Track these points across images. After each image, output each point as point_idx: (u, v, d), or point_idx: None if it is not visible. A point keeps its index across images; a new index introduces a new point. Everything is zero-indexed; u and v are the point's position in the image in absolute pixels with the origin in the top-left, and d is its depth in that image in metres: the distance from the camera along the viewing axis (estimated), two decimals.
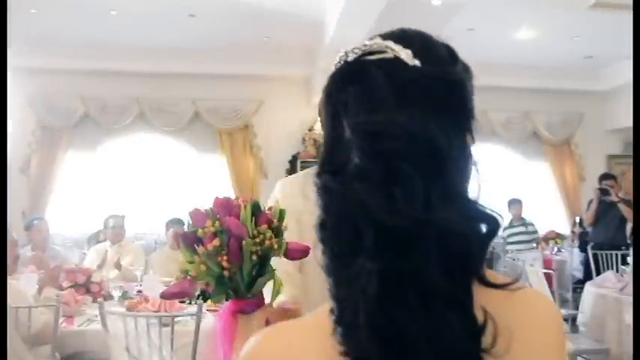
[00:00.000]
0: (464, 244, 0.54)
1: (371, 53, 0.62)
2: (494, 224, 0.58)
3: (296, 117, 7.67)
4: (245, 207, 1.07)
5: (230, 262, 1.01)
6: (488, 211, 0.58)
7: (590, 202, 5.73)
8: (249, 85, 7.51)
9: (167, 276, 4.31)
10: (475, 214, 0.58)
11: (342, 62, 0.66)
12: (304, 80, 7.62)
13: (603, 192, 5.47)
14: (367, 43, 0.63)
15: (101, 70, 6.85)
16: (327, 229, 0.57)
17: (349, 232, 0.55)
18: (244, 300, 1.06)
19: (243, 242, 1.02)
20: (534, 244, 6.35)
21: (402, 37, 0.63)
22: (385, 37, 0.63)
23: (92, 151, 7.21)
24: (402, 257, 0.52)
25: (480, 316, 0.53)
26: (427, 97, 0.58)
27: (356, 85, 0.60)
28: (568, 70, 7.51)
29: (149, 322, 2.24)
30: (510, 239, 6.31)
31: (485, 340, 0.52)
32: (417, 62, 0.60)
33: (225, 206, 1.06)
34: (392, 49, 0.60)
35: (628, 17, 5.41)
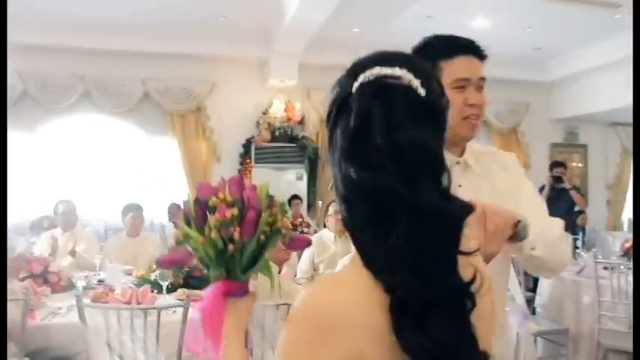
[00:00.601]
0: (458, 224, 0.78)
1: (389, 77, 0.80)
2: (469, 208, 0.80)
3: (250, 100, 7.49)
4: (261, 187, 1.05)
5: (242, 234, 0.98)
6: (465, 200, 0.81)
7: (542, 188, 5.95)
8: (202, 66, 7.25)
9: (125, 264, 4.11)
10: (463, 205, 0.80)
11: (366, 79, 0.81)
12: (260, 62, 7.44)
13: (556, 179, 5.68)
14: (387, 70, 0.80)
15: (41, 45, 6.37)
16: (357, 208, 0.77)
17: (379, 210, 0.75)
18: (237, 282, 1.03)
19: (262, 215, 1.00)
20: None
21: (411, 65, 0.81)
22: (396, 61, 0.82)
23: (31, 131, 6.74)
24: (428, 228, 0.75)
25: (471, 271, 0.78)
26: (430, 118, 0.79)
27: (379, 101, 0.78)
28: (517, 60, 7.72)
29: (133, 314, 2.10)
30: None
31: (475, 286, 0.77)
32: (422, 91, 0.79)
33: (238, 183, 1.03)
34: (408, 79, 0.79)
35: (579, 10, 5.62)
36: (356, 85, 0.82)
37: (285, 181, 7.52)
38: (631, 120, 8.80)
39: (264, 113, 7.45)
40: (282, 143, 7.51)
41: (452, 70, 1.36)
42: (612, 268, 3.81)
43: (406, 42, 6.60)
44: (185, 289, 3.24)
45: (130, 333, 2.08)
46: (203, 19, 6.54)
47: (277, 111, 7.30)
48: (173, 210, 1.05)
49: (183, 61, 7.12)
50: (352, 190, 0.77)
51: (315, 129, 7.78)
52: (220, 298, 1.03)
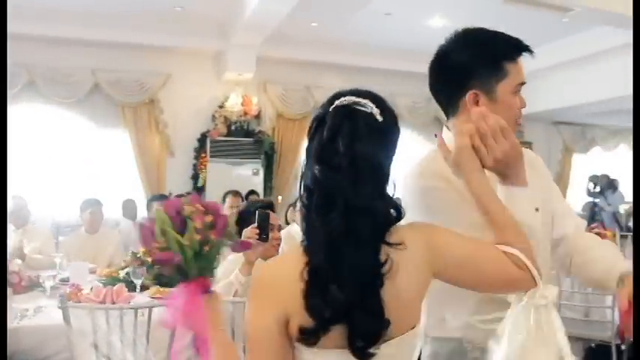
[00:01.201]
0: (384, 219, 1.01)
1: (357, 104, 1.03)
2: (401, 212, 1.04)
3: (206, 93, 7.33)
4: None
5: (216, 236, 1.14)
6: (399, 204, 1.04)
7: None
8: (156, 57, 7.03)
9: (84, 261, 3.93)
10: (393, 205, 1.04)
11: (341, 103, 1.04)
12: (216, 55, 7.30)
13: None
14: (357, 100, 1.03)
15: None
16: (313, 196, 1.01)
17: (327, 200, 0.99)
18: (208, 280, 1.14)
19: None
20: None
21: (375, 99, 1.05)
22: (364, 95, 1.05)
23: None
24: (356, 218, 0.97)
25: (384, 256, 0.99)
26: (383, 139, 1.04)
27: (348, 121, 1.01)
28: None
29: (122, 313, 2.00)
30: None
31: (385, 268, 0.97)
32: (380, 118, 1.04)
33: (197, 198, 1.20)
34: (370, 107, 1.03)
35: (536, 14, 5.83)
36: (332, 107, 1.04)
37: (241, 176, 7.42)
38: (572, 119, 9.26)
39: (221, 107, 7.31)
40: (239, 138, 7.40)
41: (516, 73, 1.30)
42: None
43: (364, 38, 6.76)
44: (158, 287, 3.14)
45: (120, 333, 1.99)
46: (159, 8, 6.34)
47: (234, 105, 7.19)
48: (145, 232, 1.15)
49: (136, 51, 6.88)
50: (314, 182, 1.01)
51: (271, 123, 7.71)
52: (197, 298, 1.10)
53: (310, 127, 1.09)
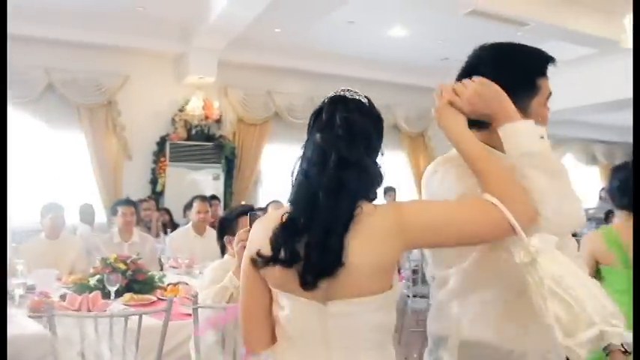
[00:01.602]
0: (370, 177, 1.14)
1: (347, 91, 1.22)
2: (382, 177, 1.17)
3: (166, 96, 7.21)
4: None
5: None
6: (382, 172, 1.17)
7: None
8: (115, 58, 6.85)
9: (45, 268, 3.78)
10: (379, 170, 1.17)
11: (334, 94, 1.22)
12: (177, 57, 7.18)
13: None
14: (350, 89, 1.23)
15: None
16: (312, 160, 1.15)
17: (324, 157, 1.12)
18: None
19: None
20: None
21: (360, 93, 1.23)
22: (353, 89, 1.23)
23: None
24: (346, 172, 1.10)
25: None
26: (371, 116, 1.20)
27: (341, 104, 1.19)
28: (427, 68, 8.16)
29: (112, 321, 1.95)
30: None
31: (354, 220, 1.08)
32: (366, 102, 1.21)
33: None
34: (358, 95, 1.22)
35: (493, 27, 6.05)
36: (327, 99, 1.22)
37: (202, 180, 7.32)
38: None
39: (181, 110, 7.20)
40: (199, 142, 7.31)
41: (546, 86, 1.33)
42: None
43: (327, 46, 6.84)
44: (132, 294, 3.07)
45: (109, 342, 1.94)
46: (119, 7, 6.20)
47: (195, 108, 7.09)
48: None
49: (94, 51, 6.68)
50: (313, 147, 1.16)
51: (232, 128, 7.66)
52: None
53: (310, 120, 1.23)
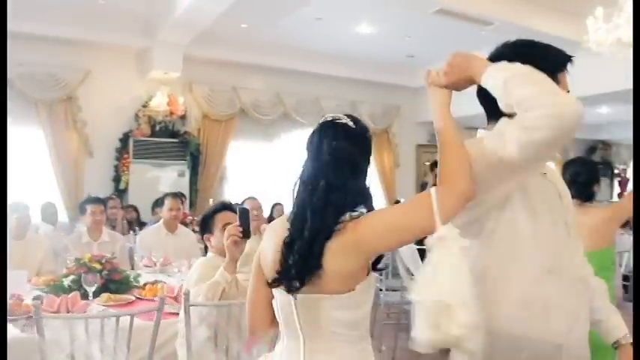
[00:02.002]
0: (354, 198, 1.28)
1: (335, 118, 1.36)
2: (367, 199, 1.30)
3: (128, 91, 7.03)
4: None
5: None
6: (369, 194, 1.31)
7: (423, 187, 6.48)
8: (75, 52, 6.63)
9: (11, 269, 3.64)
10: (365, 192, 1.31)
11: (324, 120, 1.37)
12: (140, 52, 7.01)
13: None
14: (338, 115, 1.36)
15: None
16: (305, 181, 1.31)
17: (315, 182, 1.28)
18: None
19: None
20: None
21: (350, 116, 1.36)
22: (341, 114, 1.36)
23: None
24: (332, 194, 1.26)
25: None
26: (357, 140, 1.33)
27: (329, 129, 1.33)
28: (392, 65, 8.26)
29: (103, 322, 1.90)
30: None
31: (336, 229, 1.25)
32: (353, 126, 1.34)
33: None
34: (345, 119, 1.35)
35: (458, 25, 6.18)
36: (317, 126, 1.37)
37: (167, 177, 7.19)
38: (484, 125, 9.92)
39: (144, 106, 7.03)
40: (163, 138, 7.17)
41: (565, 82, 1.39)
42: None
43: (294, 42, 6.82)
44: (109, 295, 2.99)
45: (100, 342, 1.89)
46: (79, 0, 6.00)
47: (159, 104, 6.94)
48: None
49: (53, 44, 6.44)
50: (308, 170, 1.31)
51: (197, 124, 7.54)
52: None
53: (307, 143, 1.37)
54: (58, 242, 4.54)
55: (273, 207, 6.87)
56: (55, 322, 1.88)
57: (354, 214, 1.26)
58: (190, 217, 6.14)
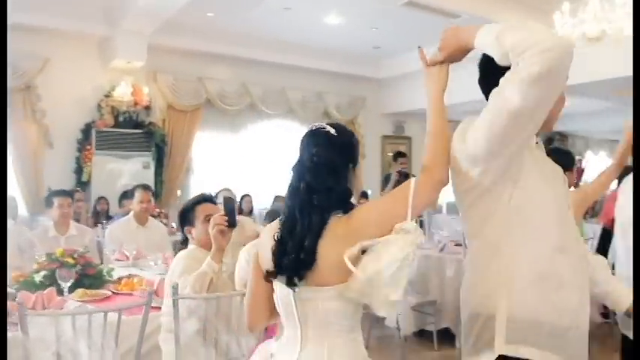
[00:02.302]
0: (336, 200, 1.38)
1: (319, 127, 1.46)
2: (347, 200, 1.40)
3: (90, 80, 6.82)
4: None
5: None
6: (348, 195, 1.42)
7: (387, 178, 6.54)
8: (33, 39, 6.37)
9: None
10: (344, 194, 1.41)
11: (309, 129, 1.47)
12: (102, 40, 6.79)
13: (404, 175, 6.22)
14: (322, 124, 1.46)
15: None
16: (293, 185, 1.42)
17: (297, 187, 1.40)
18: None
19: None
20: None
21: (333, 124, 1.46)
22: (325, 123, 1.47)
23: None
24: (315, 196, 1.37)
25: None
26: (337, 147, 1.42)
27: (312, 137, 1.45)
28: (359, 57, 8.29)
29: (91, 318, 1.84)
30: None
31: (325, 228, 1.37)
32: (334, 134, 1.43)
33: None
34: (328, 128, 1.44)
35: (427, 17, 6.24)
36: (305, 133, 1.48)
37: (131, 169, 7.01)
38: (449, 117, 10.06)
39: (107, 96, 6.83)
40: (127, 129, 6.99)
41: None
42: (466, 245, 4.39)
43: (261, 32, 6.77)
44: (84, 290, 2.90)
45: (87, 339, 1.84)
46: None
47: (123, 94, 6.76)
48: None
49: (10, 31, 6.14)
50: (294, 174, 1.43)
51: (162, 115, 7.39)
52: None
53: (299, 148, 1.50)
54: (22, 237, 4.37)
55: (241, 198, 6.81)
56: (41, 320, 1.81)
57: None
58: (158, 210, 6.03)
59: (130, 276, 3.27)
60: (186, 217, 2.69)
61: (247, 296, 1.54)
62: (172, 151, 7.46)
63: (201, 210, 2.62)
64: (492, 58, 1.32)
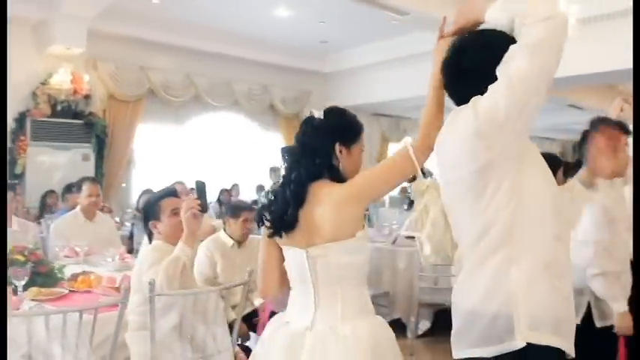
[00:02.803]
0: (318, 171, 1.60)
1: (311, 113, 1.65)
2: (334, 172, 1.61)
3: (24, 67, 6.40)
4: None
5: None
6: (335, 169, 1.61)
7: None
8: None
9: None
10: (329, 169, 1.60)
11: (310, 114, 1.66)
12: (38, 24, 6.43)
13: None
14: (313, 111, 1.65)
15: None
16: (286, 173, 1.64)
17: (292, 166, 1.62)
18: None
19: None
20: None
21: (326, 110, 1.65)
22: (322, 109, 1.66)
23: None
24: (302, 169, 1.60)
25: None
26: (324, 130, 1.60)
27: (303, 125, 1.65)
28: (305, 50, 8.30)
29: (66, 317, 1.75)
30: None
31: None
32: (319, 117, 1.63)
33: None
34: (316, 113, 1.64)
35: (377, 13, 6.32)
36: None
37: (69, 161, 6.69)
38: (389, 112, 10.22)
39: (43, 83, 6.48)
40: (66, 119, 6.65)
41: None
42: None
43: (208, 21, 6.70)
44: (38, 288, 2.76)
45: (62, 339, 1.75)
46: None
47: (61, 82, 6.42)
48: None
49: None
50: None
51: (102, 105, 7.09)
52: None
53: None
54: None
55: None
56: (13, 320, 1.71)
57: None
58: (102, 204, 5.78)
59: (84, 273, 3.13)
60: (151, 210, 2.63)
61: (260, 267, 1.71)
62: (113, 143, 7.18)
63: (168, 204, 2.57)
64: (461, 62, 1.45)
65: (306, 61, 8.52)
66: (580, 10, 4.96)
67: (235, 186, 7.92)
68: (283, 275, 1.66)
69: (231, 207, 3.56)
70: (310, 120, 1.63)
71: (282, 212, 1.57)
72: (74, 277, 3.04)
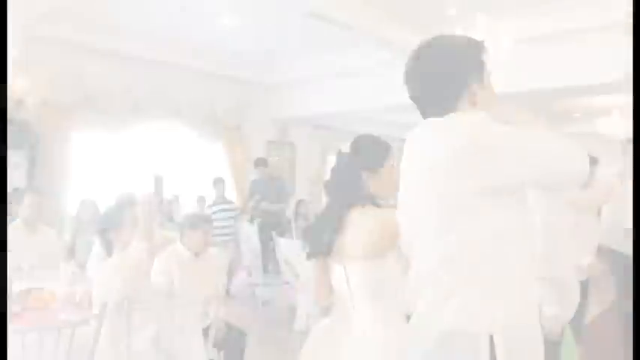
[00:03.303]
0: (352, 202, 1.94)
1: (339, 151, 1.98)
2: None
3: None
4: None
5: None
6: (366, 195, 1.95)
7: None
8: None
9: None
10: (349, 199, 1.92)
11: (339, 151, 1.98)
12: None
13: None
14: (342, 146, 1.97)
15: None
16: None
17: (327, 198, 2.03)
18: None
19: None
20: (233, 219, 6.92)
21: (353, 141, 1.95)
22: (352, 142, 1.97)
23: None
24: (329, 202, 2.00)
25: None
26: (348, 161, 1.92)
27: (338, 158, 1.97)
28: (248, 60, 8.26)
29: (42, 335, 1.66)
30: (216, 215, 6.57)
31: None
32: (345, 151, 1.94)
33: None
34: (343, 148, 1.94)
35: (324, 26, 6.40)
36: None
37: None
38: (330, 124, 10.35)
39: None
40: None
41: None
42: None
43: (152, 28, 6.60)
44: None
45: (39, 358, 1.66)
46: None
47: None
48: None
49: None
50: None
51: (35, 111, 6.71)
52: None
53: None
54: None
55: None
56: None
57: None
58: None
59: (30, 290, 2.97)
60: (111, 219, 2.59)
61: (314, 278, 2.00)
62: (46, 152, 6.83)
63: (129, 212, 2.55)
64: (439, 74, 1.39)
65: (249, 71, 8.50)
66: (516, 29, 5.30)
67: (175, 197, 7.75)
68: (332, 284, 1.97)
69: (189, 218, 3.51)
70: (338, 155, 1.91)
71: (321, 235, 1.86)
72: (25, 294, 2.88)
